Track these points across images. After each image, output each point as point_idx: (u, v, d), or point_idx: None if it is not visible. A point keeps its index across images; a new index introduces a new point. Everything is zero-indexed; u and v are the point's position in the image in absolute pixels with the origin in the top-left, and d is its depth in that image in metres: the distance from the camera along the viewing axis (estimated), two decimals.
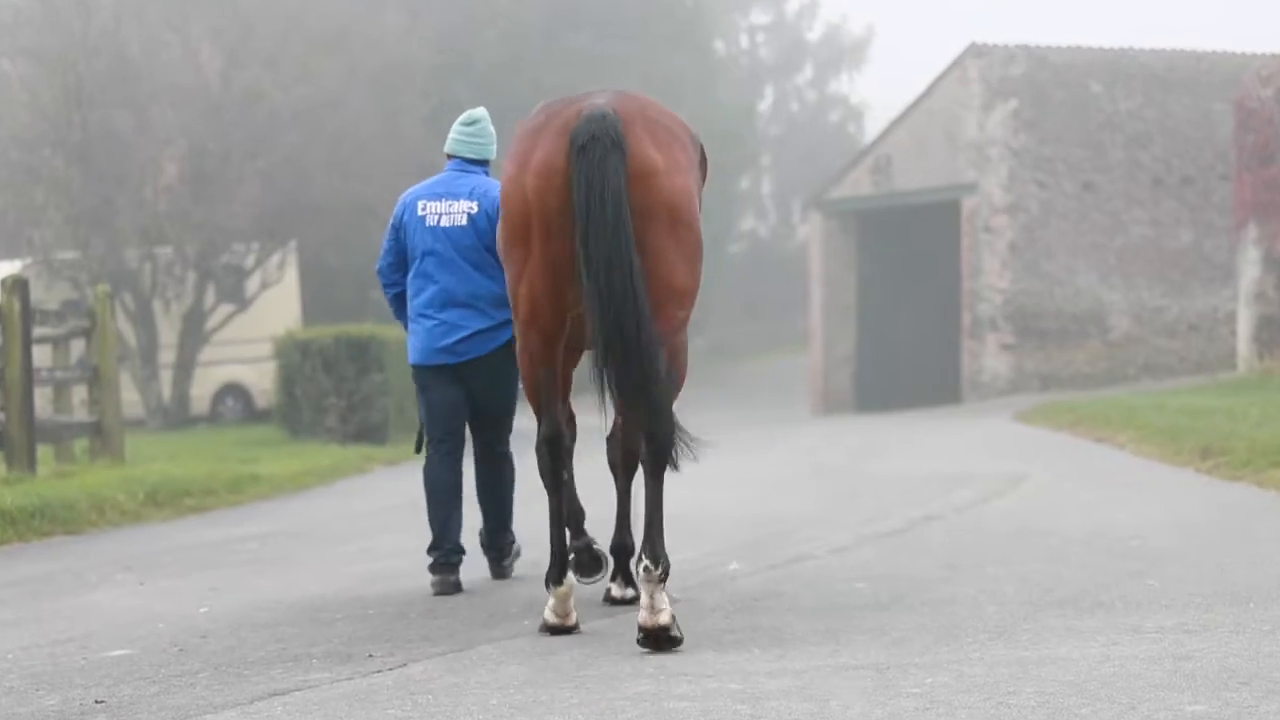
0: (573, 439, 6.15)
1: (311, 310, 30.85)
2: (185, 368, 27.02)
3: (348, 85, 27.83)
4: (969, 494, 10.82)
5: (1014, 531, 8.43)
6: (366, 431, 20.15)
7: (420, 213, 7.38)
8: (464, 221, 7.26)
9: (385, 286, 7.55)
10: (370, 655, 5.50)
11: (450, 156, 7.52)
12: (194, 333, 27.24)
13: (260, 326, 26.99)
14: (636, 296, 5.34)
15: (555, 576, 5.80)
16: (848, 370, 32.15)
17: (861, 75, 59.53)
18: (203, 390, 27.70)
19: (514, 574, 7.68)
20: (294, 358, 20.56)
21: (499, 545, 7.63)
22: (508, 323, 7.15)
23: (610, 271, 5.33)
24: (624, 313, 5.32)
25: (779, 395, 36.99)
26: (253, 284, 27.94)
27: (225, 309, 27.55)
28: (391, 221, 7.49)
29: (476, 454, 7.58)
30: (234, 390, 28.19)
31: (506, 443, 7.53)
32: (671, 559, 6.73)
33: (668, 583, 5.56)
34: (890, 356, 32.00)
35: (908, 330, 32.10)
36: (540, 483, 5.92)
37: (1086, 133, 29.12)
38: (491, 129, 7.57)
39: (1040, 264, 29.06)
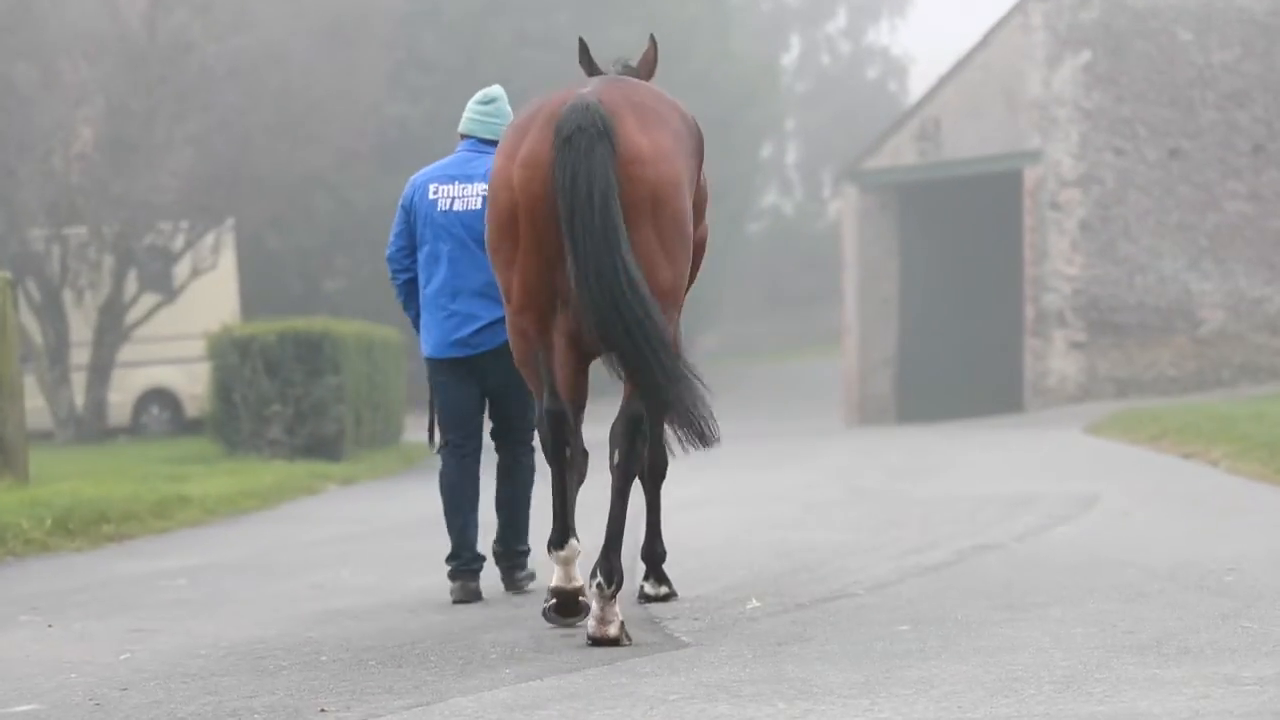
0: (581, 477, 6.96)
1: (252, 302, 30.87)
2: (102, 370, 27.03)
3: (294, 35, 27.85)
4: (1031, 520, 10.84)
5: (1085, 564, 8.44)
6: (318, 445, 20.17)
7: (431, 196, 8.36)
8: (479, 204, 8.17)
9: (395, 273, 8.52)
10: (322, 710, 5.52)
11: (463, 136, 8.50)
12: (112, 328, 27.25)
13: (191, 321, 27.02)
14: (636, 289, 6.30)
15: (557, 541, 6.81)
16: (888, 374, 32.17)
17: (905, 23, 59.60)
18: (123, 396, 27.72)
19: (527, 589, 8.44)
20: (231, 358, 20.59)
21: (511, 557, 8.52)
22: None
23: (600, 268, 6.28)
24: (623, 306, 6.27)
25: (806, 403, 36.97)
26: (182, 270, 27.97)
27: (149, 300, 27.57)
28: (400, 203, 8.46)
29: (498, 460, 8.49)
30: (160, 396, 28.22)
31: (528, 447, 8.43)
32: (682, 594, 7.27)
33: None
34: (938, 358, 32.01)
35: (959, 326, 32.11)
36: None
37: (1173, 90, 29.13)
38: (508, 108, 8.42)
39: (1117, 246, 29.08)
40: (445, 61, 40.01)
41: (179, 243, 27.92)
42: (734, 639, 6.58)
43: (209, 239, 28.01)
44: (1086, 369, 29.16)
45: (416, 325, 8.55)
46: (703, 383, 6.48)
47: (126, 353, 27.39)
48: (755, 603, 7.53)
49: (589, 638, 6.55)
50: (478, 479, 8.45)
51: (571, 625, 6.92)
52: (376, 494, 17.16)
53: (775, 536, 10.51)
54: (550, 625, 6.99)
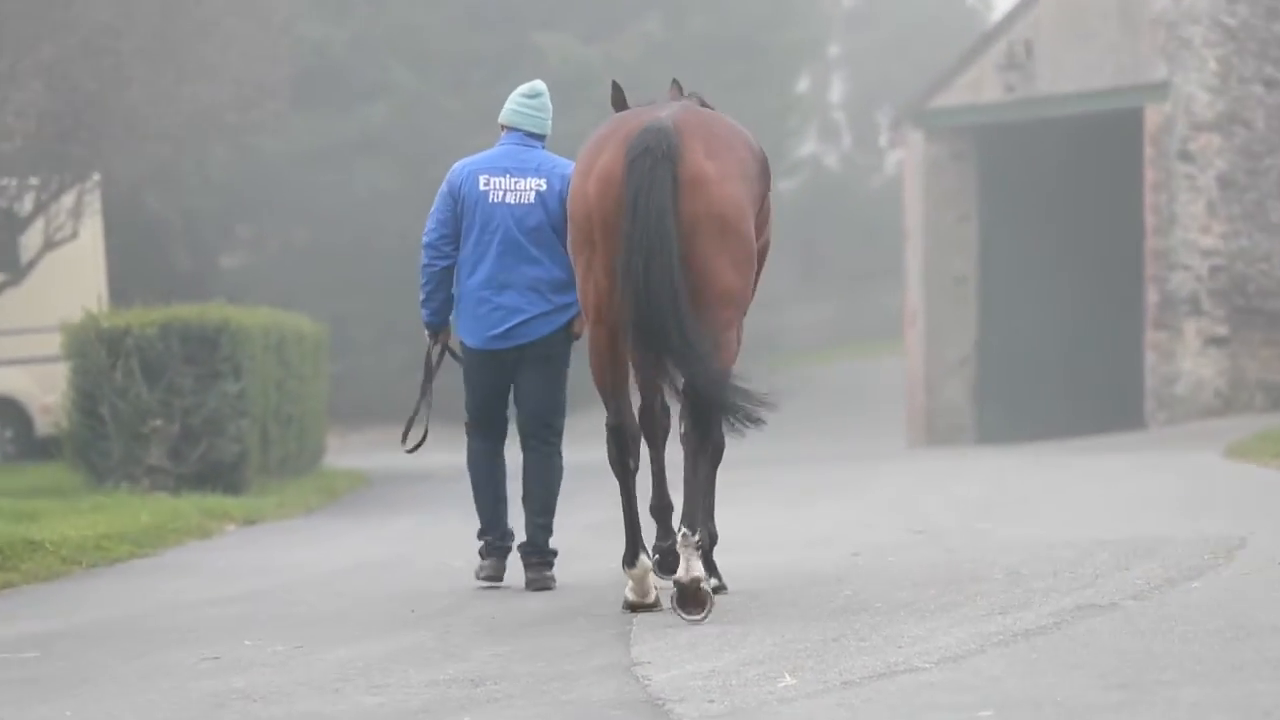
0: (665, 432, 10.21)
1: (125, 283, 30.84)
2: None
3: None
4: (1154, 572, 10.84)
5: (1226, 631, 8.43)
6: (212, 473, 20.15)
7: (483, 187, 11.21)
8: (531, 199, 11.21)
9: (433, 259, 11.33)
10: None
11: (506, 128, 11.43)
12: None
13: (43, 308, 26.99)
14: (677, 301, 9.21)
15: (629, 559, 9.87)
16: (964, 378, 32.18)
17: None
18: None
19: (551, 586, 11.21)
20: (97, 357, 20.57)
21: (540, 547, 11.33)
22: (566, 307, 11.19)
23: (649, 278, 9.20)
24: (663, 314, 9.19)
25: (856, 416, 36.95)
26: (31, 241, 27.95)
27: None
28: (444, 190, 11.30)
29: (524, 449, 11.36)
30: (1, 408, 28.20)
31: (558, 440, 11.45)
32: (694, 668, 7.92)
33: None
34: (1030, 357, 32.01)
35: (1058, 316, 32.12)
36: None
37: None
38: (550, 104, 11.53)
39: (1269, 210, 29.10)
40: None
41: (27, 205, 27.90)
42: None
43: (67, 200, 27.99)
44: (1228, 371, 29.17)
45: (436, 314, 11.42)
46: (739, 384, 9.34)
47: None
48: (789, 679, 7.53)
49: (675, 582, 9.42)
50: (503, 459, 11.52)
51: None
52: (290, 537, 17.15)
53: (815, 593, 10.52)
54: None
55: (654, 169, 9.35)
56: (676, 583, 9.44)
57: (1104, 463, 22.05)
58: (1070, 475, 20.07)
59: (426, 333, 11.58)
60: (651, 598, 9.85)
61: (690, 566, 9.42)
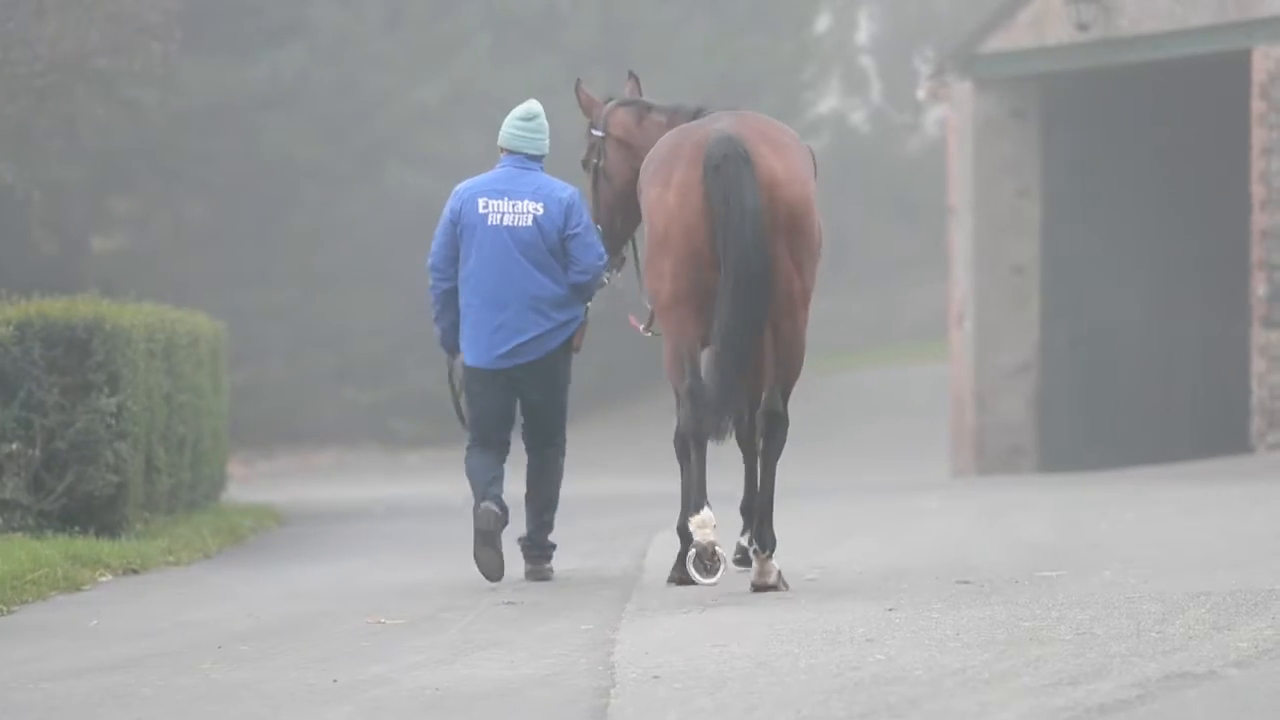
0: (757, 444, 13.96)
1: None
2: None
3: None
4: (1262, 632, 10.85)
5: None
6: (83, 510, 20.06)
7: (481, 210, 14.64)
8: (529, 223, 14.61)
9: (437, 281, 14.84)
10: None
11: (505, 151, 14.86)
12: None
13: None
14: (774, 295, 13.07)
15: (695, 508, 13.31)
16: (1024, 390, 32.14)
17: None
18: None
19: (549, 578, 14.87)
20: None
21: (540, 542, 14.96)
22: (567, 324, 14.69)
23: (753, 273, 12.89)
24: (757, 307, 12.94)
25: (891, 435, 36.96)
26: None
27: None
28: (446, 215, 14.77)
29: (529, 455, 15.01)
30: None
31: (562, 444, 15.09)
32: None
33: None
34: (1106, 365, 31.99)
35: (1141, 313, 32.09)
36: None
37: None
38: (547, 123, 14.87)
39: None
40: None
41: None
42: None
43: None
44: None
45: (446, 334, 14.88)
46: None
47: None
48: None
49: (753, 585, 13.33)
50: (502, 465, 14.94)
51: (706, 583, 13.21)
52: (180, 590, 17.12)
53: (837, 657, 10.53)
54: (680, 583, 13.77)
55: (739, 173, 12.98)
56: (753, 585, 13.33)
57: (1199, 495, 22.06)
58: (1157, 511, 20.09)
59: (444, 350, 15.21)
60: (710, 528, 13.25)
61: (764, 570, 13.39)
